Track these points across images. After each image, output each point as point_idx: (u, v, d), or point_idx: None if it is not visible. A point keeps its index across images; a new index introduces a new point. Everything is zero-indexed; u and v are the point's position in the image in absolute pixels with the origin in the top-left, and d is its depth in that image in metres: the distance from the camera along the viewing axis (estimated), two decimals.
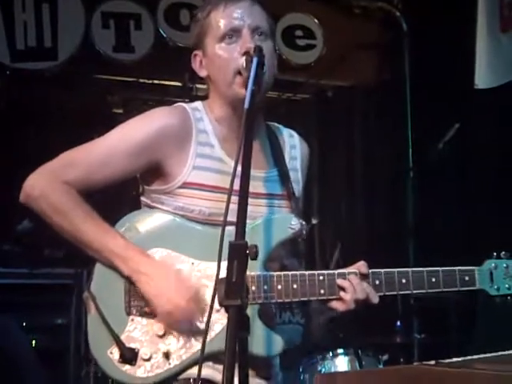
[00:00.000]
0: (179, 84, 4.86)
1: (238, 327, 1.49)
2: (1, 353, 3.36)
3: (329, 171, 5.30)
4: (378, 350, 3.70)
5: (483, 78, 4.10)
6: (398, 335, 4.05)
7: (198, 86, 4.70)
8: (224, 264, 1.58)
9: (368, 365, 3.50)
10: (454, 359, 1.53)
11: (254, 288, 1.88)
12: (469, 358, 1.55)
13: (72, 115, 4.62)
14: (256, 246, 1.55)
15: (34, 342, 4.02)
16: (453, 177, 4.64)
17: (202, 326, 1.86)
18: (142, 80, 4.89)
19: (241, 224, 1.57)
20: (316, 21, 5.14)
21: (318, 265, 5.05)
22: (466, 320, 4.03)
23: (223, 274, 1.59)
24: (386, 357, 3.71)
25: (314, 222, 4.75)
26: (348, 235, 5.11)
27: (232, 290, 1.51)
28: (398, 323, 4.09)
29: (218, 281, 1.61)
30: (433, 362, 1.47)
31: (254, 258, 1.56)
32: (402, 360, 3.92)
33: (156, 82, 4.94)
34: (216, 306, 1.83)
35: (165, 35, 4.73)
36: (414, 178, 4.45)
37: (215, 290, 1.62)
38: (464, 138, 4.20)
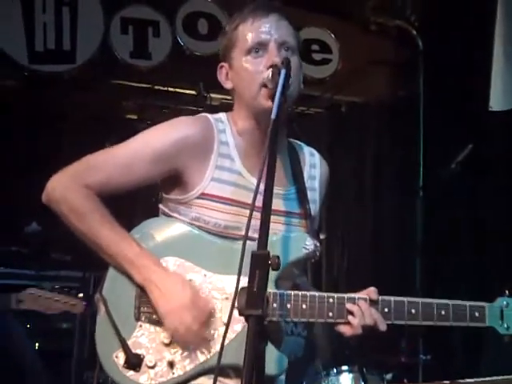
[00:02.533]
0: (194, 92, 4.87)
1: (258, 337, 1.48)
2: (5, 353, 3.36)
3: (339, 187, 5.28)
4: (383, 368, 3.68)
5: (498, 100, 4.09)
6: (404, 355, 4.02)
7: (213, 95, 4.72)
8: (234, 278, 1.58)
9: (372, 383, 3.47)
10: (467, 380, 1.52)
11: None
12: (481, 379, 1.54)
13: (87, 119, 4.63)
14: (278, 257, 1.55)
15: (37, 344, 4.00)
16: (464, 197, 4.61)
17: (208, 338, 1.86)
18: (157, 87, 4.88)
19: (263, 235, 1.57)
20: (332, 36, 5.14)
21: (325, 281, 5.03)
22: (471, 344, 4.00)
23: (233, 288, 1.59)
24: (389, 376, 3.68)
25: (322, 237, 4.74)
26: (356, 252, 5.09)
27: (253, 300, 1.51)
28: (404, 343, 4.06)
29: (236, 294, 1.61)
30: (447, 382, 1.47)
31: (276, 268, 1.55)
32: (405, 380, 3.89)
33: (171, 89, 4.93)
34: (224, 319, 1.83)
35: (182, 43, 4.74)
36: (424, 198, 4.42)
37: (233, 305, 1.62)
38: (477, 159, 4.18)
